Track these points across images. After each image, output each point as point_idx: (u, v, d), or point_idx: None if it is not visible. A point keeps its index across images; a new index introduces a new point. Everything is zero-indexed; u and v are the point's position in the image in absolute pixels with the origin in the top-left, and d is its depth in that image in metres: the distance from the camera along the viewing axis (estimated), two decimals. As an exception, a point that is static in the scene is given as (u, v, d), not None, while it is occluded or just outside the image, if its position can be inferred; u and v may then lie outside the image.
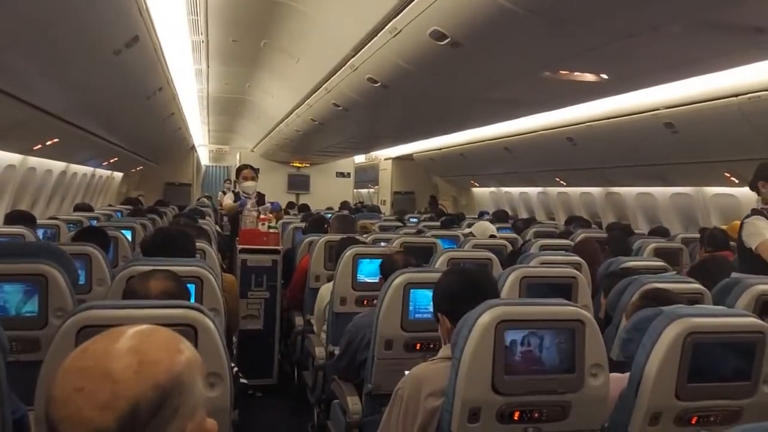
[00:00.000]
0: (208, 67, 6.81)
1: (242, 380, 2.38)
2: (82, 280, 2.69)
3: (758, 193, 3.36)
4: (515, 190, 9.89)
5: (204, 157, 17.94)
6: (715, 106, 4.32)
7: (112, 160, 8.93)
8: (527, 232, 5.60)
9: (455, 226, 6.19)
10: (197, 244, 3.09)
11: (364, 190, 17.99)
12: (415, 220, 7.78)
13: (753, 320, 1.68)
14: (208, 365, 1.46)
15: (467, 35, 2.73)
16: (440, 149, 9.75)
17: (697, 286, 2.48)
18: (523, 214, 9.36)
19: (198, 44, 5.82)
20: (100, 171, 9.34)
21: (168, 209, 7.70)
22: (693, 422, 1.64)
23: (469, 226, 5.90)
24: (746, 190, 3.51)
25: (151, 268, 2.01)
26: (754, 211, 3.33)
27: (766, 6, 2.16)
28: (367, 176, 15.06)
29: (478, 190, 11.30)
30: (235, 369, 2.34)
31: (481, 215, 8.65)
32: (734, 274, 2.60)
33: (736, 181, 5.14)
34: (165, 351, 0.80)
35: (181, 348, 0.82)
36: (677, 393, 1.60)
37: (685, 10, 2.13)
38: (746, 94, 4.04)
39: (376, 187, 14.60)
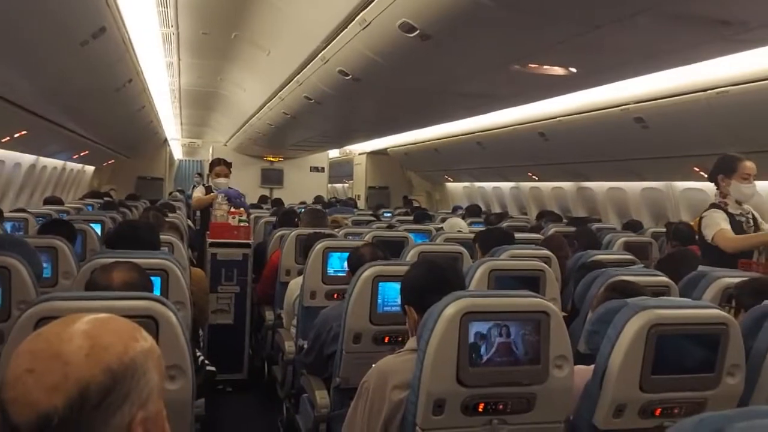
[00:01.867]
0: (179, 59, 6.69)
1: (209, 367, 2.35)
2: (48, 273, 2.66)
3: (717, 186, 3.42)
4: (488, 185, 9.94)
5: (177, 151, 17.70)
6: (684, 101, 4.37)
7: (82, 153, 8.75)
8: (499, 226, 5.62)
9: (428, 220, 6.19)
10: (165, 237, 3.06)
11: (338, 185, 17.95)
12: (389, 214, 7.77)
13: (716, 312, 1.69)
14: (169, 358, 1.45)
15: (436, 27, 2.71)
16: (414, 144, 9.76)
17: (664, 278, 2.51)
18: (496, 209, 9.42)
19: (168, 36, 5.71)
20: (71, 164, 9.15)
21: (138, 203, 7.58)
22: (657, 414, 1.65)
23: (443, 220, 5.92)
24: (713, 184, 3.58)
25: (124, 260, 1.98)
26: (713, 205, 3.39)
27: (734, -1, 2.19)
28: (341, 171, 15.02)
29: (452, 185, 11.34)
30: (201, 358, 2.31)
31: (455, 210, 8.69)
32: (701, 267, 2.64)
33: (705, 176, 5.22)
34: (119, 337, 0.80)
35: (137, 337, 0.82)
36: (641, 385, 1.61)
37: (650, 2, 2.14)
38: (714, 89, 4.10)
39: (350, 181, 14.57)
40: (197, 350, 2.43)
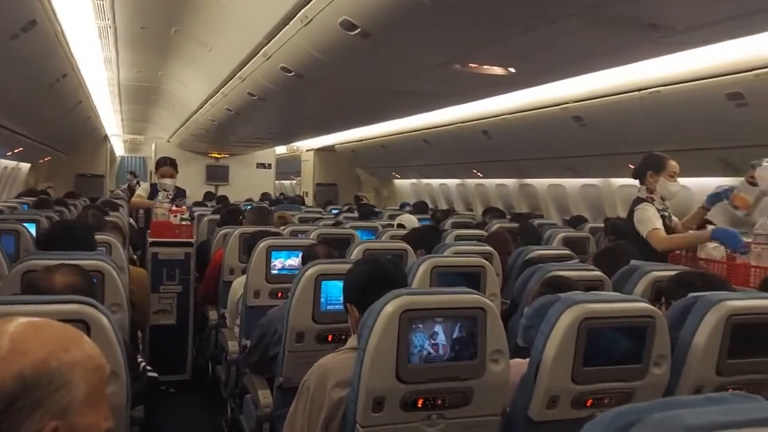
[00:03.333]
0: (117, 54, 6.49)
1: (151, 374, 2.29)
2: (-25, 275, 2.52)
3: (642, 182, 3.55)
4: (435, 182, 10.05)
5: (119, 147, 17.18)
6: (619, 100, 4.53)
7: (16, 150, 8.36)
8: (445, 223, 5.70)
9: (373, 216, 6.21)
10: (103, 237, 2.96)
11: (286, 182, 17.77)
12: (336, 210, 7.75)
13: (644, 305, 1.76)
14: None
15: (377, 26, 2.72)
16: (361, 141, 9.76)
17: (598, 273, 2.60)
18: (443, 206, 9.54)
19: (105, 30, 5.53)
20: (4, 162, 8.73)
21: (78, 201, 7.29)
22: (588, 405, 1.70)
23: (391, 217, 5.96)
24: None
25: (58, 262, 1.93)
26: (640, 200, 3.52)
27: (660, 3, 2.28)
28: (289, 167, 14.87)
29: (399, 182, 11.41)
30: (143, 363, 2.25)
31: (403, 207, 8.75)
32: (633, 262, 2.74)
33: (638, 173, 5.44)
34: (44, 344, 0.78)
35: (70, 347, 0.81)
36: (573, 377, 1.66)
37: (582, 5, 2.21)
38: (648, 88, 4.27)
39: (298, 178, 14.44)
40: (138, 355, 2.37)
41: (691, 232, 3.44)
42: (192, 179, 10.06)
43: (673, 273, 2.31)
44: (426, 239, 3.46)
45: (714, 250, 3.22)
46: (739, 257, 3.05)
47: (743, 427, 0.67)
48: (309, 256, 2.66)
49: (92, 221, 3.66)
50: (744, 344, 1.76)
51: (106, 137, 12.12)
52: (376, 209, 7.43)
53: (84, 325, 1.42)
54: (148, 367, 2.33)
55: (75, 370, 0.79)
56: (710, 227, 3.35)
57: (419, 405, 1.62)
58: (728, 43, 3.17)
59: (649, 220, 3.37)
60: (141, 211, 6.11)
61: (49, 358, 0.77)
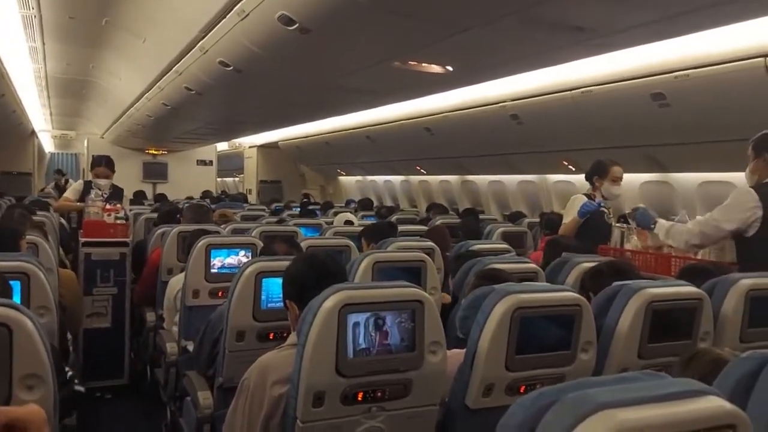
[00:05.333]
0: (43, 44, 6.17)
1: (78, 387, 2.20)
2: None
3: (592, 185, 3.88)
4: (380, 179, 10.11)
5: (47, 143, 16.40)
6: (554, 99, 4.69)
7: (-70, 147, 7.86)
8: (390, 219, 5.75)
9: (314, 214, 6.20)
10: (30, 237, 2.84)
11: (229, 179, 17.43)
12: (279, 207, 7.68)
13: (571, 294, 1.84)
14: (26, 366, 1.35)
15: (315, 21, 2.72)
16: (306, 137, 9.70)
17: (531, 265, 2.70)
18: (388, 202, 9.60)
19: (29, 19, 5.26)
20: None
21: (2, 201, 6.92)
22: (522, 391, 1.76)
23: (335, 214, 5.96)
24: (581, 177, 4.02)
25: None
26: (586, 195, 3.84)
27: (583, 7, 2.38)
28: (231, 164, 14.60)
29: (345, 179, 11.40)
30: (70, 373, 2.17)
31: (348, 204, 8.75)
32: (564, 254, 2.86)
33: (573, 169, 5.66)
34: None
35: None
36: (507, 364, 1.72)
37: (510, 8, 2.29)
38: (579, 88, 4.44)
39: (241, 175, 14.20)
40: (65, 363, 2.27)
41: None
42: (128, 177, 9.65)
43: (594, 266, 2.43)
44: (384, 235, 3.49)
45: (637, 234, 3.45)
46: (651, 236, 3.27)
47: (648, 402, 0.72)
48: (269, 254, 2.64)
49: (17, 220, 3.50)
50: (662, 329, 1.88)
51: (33, 133, 11.59)
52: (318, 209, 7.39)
53: (5, 328, 1.33)
54: (76, 380, 2.25)
55: None
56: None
57: (359, 398, 1.64)
58: (653, 45, 3.34)
59: (568, 211, 3.81)
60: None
61: None
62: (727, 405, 0.79)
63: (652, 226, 3.20)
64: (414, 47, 3.06)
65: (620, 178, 3.81)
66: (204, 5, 3.42)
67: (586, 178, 3.94)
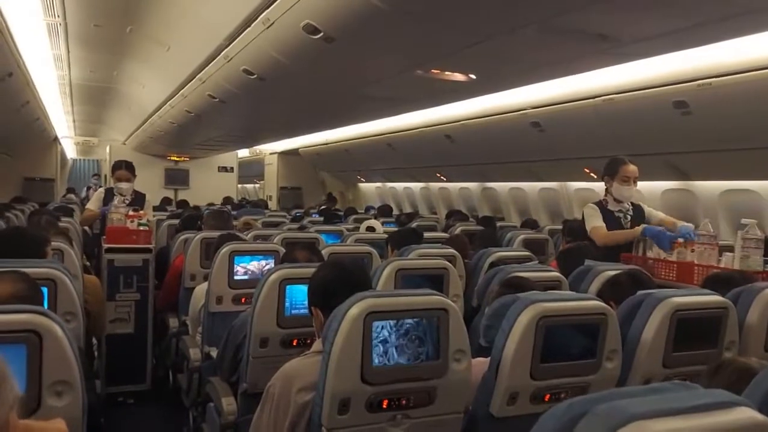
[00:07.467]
0: (68, 52, 6.29)
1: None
2: None
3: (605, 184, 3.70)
4: (400, 185, 10.12)
5: (70, 149, 16.67)
6: (575, 107, 4.67)
7: (-43, 153, 8.03)
8: (411, 225, 5.75)
9: (336, 220, 6.22)
10: (55, 244, 2.87)
11: (249, 185, 17.57)
12: (299, 214, 7.73)
13: (597, 303, 1.83)
14: (55, 373, 1.38)
15: (340, 30, 2.74)
16: (326, 144, 9.75)
17: (555, 273, 2.68)
18: (408, 209, 9.60)
19: (54, 27, 5.36)
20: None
21: (26, 206, 7.05)
22: (546, 399, 1.76)
23: (356, 221, 5.98)
24: (602, 184, 3.86)
25: (4, 270, 1.83)
26: (597, 202, 3.68)
27: (607, 15, 2.38)
28: (251, 171, 14.72)
29: (364, 185, 11.43)
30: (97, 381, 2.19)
31: (368, 210, 8.79)
32: (587, 262, 2.84)
33: (594, 177, 5.62)
34: None
35: None
36: (532, 373, 1.71)
37: (535, 16, 2.29)
38: (601, 96, 4.42)
39: (261, 182, 14.30)
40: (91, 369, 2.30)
41: (628, 230, 3.54)
42: (150, 183, 9.81)
43: (618, 274, 2.41)
44: (410, 242, 3.50)
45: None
46: (667, 256, 3.19)
47: (679, 414, 0.72)
48: (289, 261, 2.66)
49: (45, 227, 3.56)
50: (687, 338, 1.86)
51: (56, 139, 11.73)
52: (339, 212, 7.43)
53: (36, 335, 1.36)
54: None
55: None
56: (643, 225, 3.47)
57: (384, 406, 1.65)
58: (675, 54, 3.32)
59: (588, 219, 3.57)
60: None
61: None
62: (758, 416, 0.79)
63: (670, 252, 3.14)
64: (437, 56, 3.08)
65: (631, 179, 3.54)
66: (229, 14, 3.47)
67: (602, 179, 3.76)
